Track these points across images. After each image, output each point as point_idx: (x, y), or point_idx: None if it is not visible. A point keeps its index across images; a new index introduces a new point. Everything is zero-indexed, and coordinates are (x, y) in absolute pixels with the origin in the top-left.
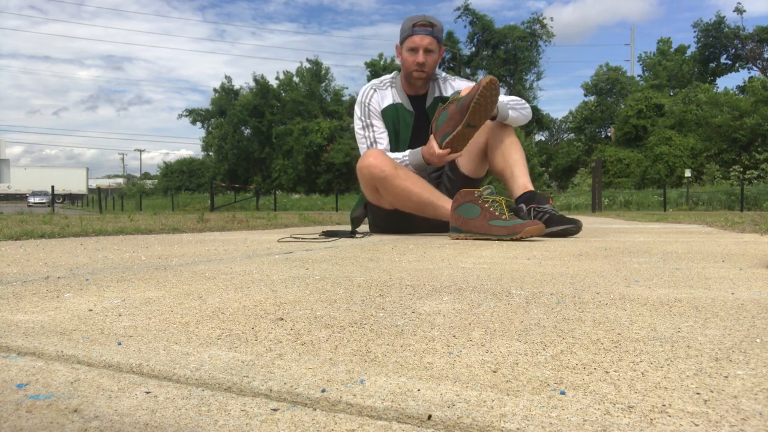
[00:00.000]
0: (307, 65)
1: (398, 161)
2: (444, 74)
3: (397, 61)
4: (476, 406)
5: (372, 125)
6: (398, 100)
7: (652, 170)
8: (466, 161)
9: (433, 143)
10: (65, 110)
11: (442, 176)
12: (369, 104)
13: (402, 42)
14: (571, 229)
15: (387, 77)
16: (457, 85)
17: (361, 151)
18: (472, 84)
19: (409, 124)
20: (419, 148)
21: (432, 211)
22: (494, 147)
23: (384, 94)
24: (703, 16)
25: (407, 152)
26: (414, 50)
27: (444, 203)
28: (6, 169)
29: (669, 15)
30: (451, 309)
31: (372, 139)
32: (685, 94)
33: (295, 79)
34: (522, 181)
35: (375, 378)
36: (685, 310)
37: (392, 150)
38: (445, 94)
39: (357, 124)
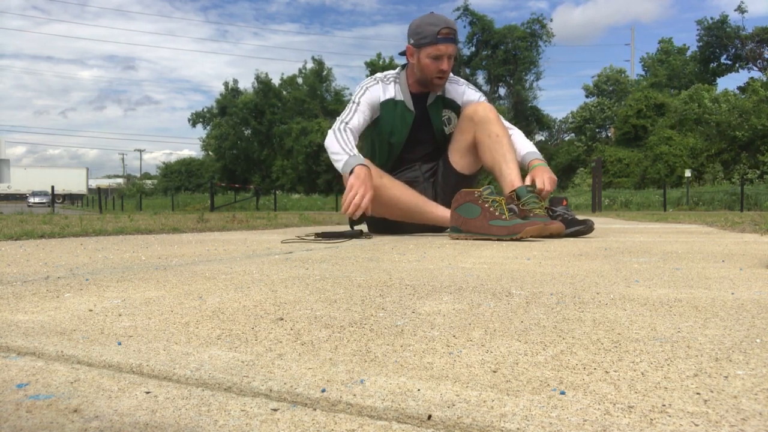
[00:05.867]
0: (311, 65)
1: (337, 151)
2: (451, 75)
3: (409, 61)
4: (476, 406)
5: (358, 104)
6: (400, 98)
7: (652, 170)
8: (458, 158)
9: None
10: (68, 110)
11: (437, 173)
12: (368, 88)
13: (421, 46)
14: (582, 230)
15: (391, 73)
16: (463, 92)
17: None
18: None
19: (408, 124)
20: (360, 157)
21: (419, 216)
22: (481, 142)
23: (387, 88)
24: (710, 15)
25: (352, 153)
26: (438, 58)
27: (432, 208)
28: (6, 169)
29: (678, 15)
30: (451, 309)
31: (345, 118)
32: (689, 94)
33: (299, 79)
34: (510, 179)
35: (375, 378)
36: (685, 310)
37: (381, 142)
38: (448, 96)
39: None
